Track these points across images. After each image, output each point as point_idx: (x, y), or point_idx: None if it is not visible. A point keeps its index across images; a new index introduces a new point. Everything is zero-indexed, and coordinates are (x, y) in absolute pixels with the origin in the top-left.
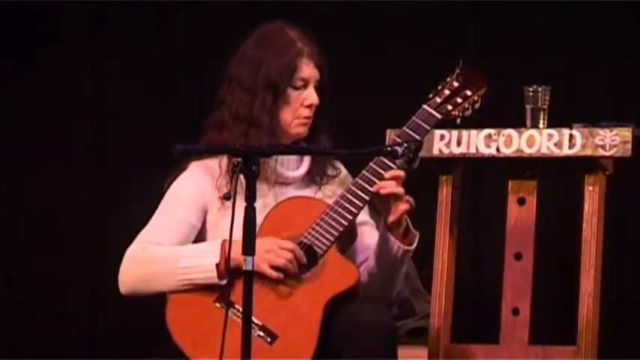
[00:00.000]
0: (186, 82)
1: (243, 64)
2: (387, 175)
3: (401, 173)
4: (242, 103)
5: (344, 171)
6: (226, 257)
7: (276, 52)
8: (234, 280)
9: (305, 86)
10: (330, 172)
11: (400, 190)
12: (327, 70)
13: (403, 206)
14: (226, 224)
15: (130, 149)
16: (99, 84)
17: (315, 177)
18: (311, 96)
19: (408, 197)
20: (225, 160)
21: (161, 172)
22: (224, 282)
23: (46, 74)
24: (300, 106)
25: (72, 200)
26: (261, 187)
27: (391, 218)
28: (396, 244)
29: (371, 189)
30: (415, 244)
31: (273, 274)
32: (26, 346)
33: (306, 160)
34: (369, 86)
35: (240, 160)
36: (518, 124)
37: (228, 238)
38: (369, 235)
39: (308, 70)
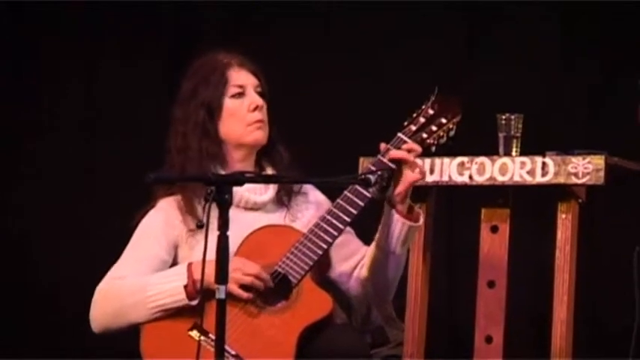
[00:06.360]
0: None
1: (178, 102)
2: (404, 146)
3: (417, 148)
4: (179, 135)
5: (319, 196)
6: (194, 279)
7: (204, 76)
8: (207, 309)
9: (244, 93)
10: (295, 188)
11: (411, 157)
12: (263, 75)
13: (412, 176)
14: (198, 256)
15: (124, 154)
16: (92, 87)
17: (282, 197)
18: (254, 99)
19: (420, 167)
20: (180, 196)
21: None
22: (195, 302)
23: (44, 74)
24: (246, 112)
25: (68, 201)
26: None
27: (399, 189)
28: (400, 221)
29: (346, 218)
30: (421, 222)
31: (243, 293)
32: (24, 346)
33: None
34: (344, 114)
35: (212, 188)
36: (491, 151)
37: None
38: (353, 241)
39: (241, 76)
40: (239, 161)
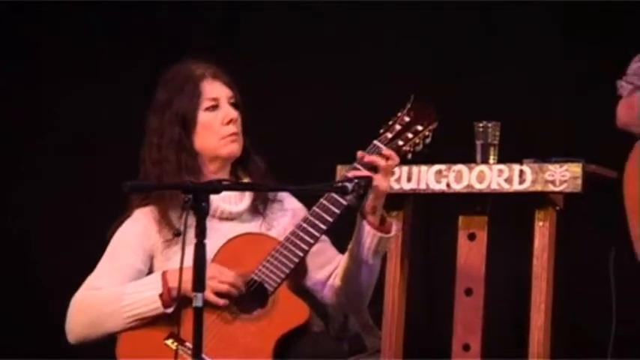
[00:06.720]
0: None
1: (152, 112)
2: (383, 152)
3: (394, 155)
4: (153, 147)
5: (295, 203)
6: (169, 287)
7: (179, 86)
8: (184, 317)
9: (218, 106)
10: (270, 196)
11: (382, 162)
12: (237, 87)
13: (383, 186)
14: (174, 266)
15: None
16: (92, 87)
17: (258, 206)
18: (228, 112)
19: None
20: (156, 207)
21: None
22: (170, 310)
23: (44, 74)
24: (221, 125)
25: (68, 201)
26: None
27: (370, 199)
28: (371, 232)
29: (322, 226)
30: (394, 232)
31: (219, 301)
32: (24, 346)
33: (248, 193)
34: (320, 121)
35: (190, 196)
36: (468, 159)
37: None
38: (329, 249)
39: (215, 88)
40: (214, 173)
